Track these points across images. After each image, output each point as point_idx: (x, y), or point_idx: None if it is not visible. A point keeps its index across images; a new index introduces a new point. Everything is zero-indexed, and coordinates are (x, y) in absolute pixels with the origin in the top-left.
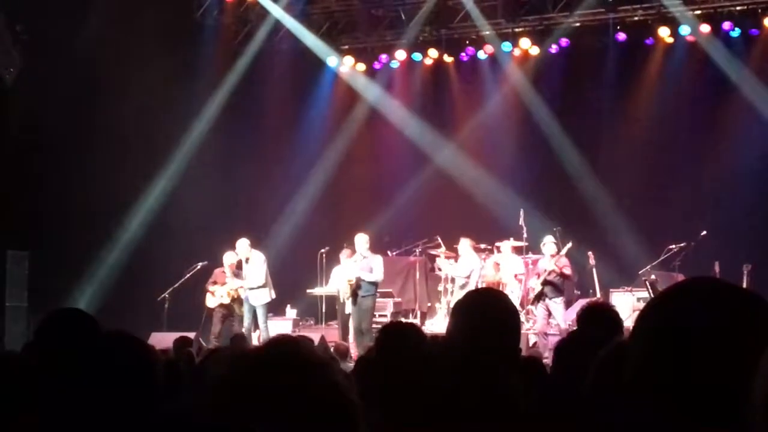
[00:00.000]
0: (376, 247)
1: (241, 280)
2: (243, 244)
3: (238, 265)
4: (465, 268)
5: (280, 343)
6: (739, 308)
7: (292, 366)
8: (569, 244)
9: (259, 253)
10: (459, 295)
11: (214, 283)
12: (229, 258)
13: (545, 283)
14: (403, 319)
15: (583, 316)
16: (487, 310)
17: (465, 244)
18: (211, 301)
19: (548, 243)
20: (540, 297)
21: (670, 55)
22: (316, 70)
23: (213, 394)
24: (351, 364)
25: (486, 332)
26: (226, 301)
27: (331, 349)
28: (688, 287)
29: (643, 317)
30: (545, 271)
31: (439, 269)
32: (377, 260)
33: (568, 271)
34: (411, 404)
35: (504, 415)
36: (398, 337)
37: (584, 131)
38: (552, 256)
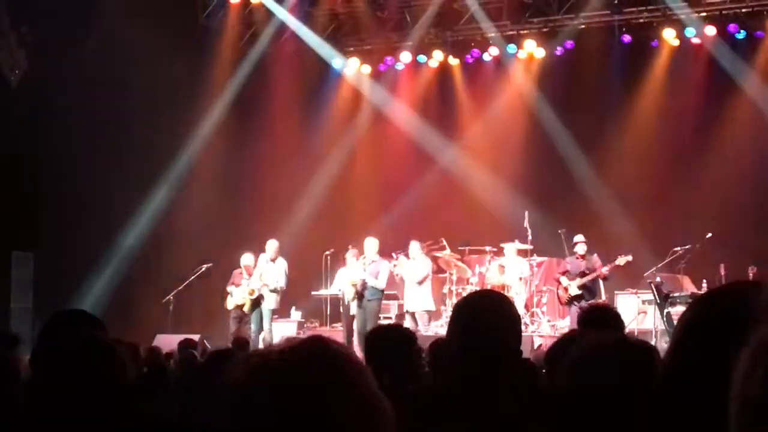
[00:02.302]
0: (381, 250)
1: (259, 280)
2: (272, 245)
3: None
4: (419, 271)
5: (307, 343)
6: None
7: (328, 366)
8: (629, 257)
9: (284, 260)
10: (413, 294)
11: (232, 284)
12: (246, 259)
13: (583, 287)
14: (407, 324)
15: (583, 318)
16: (484, 313)
17: (415, 247)
18: (228, 303)
19: (580, 243)
20: (577, 299)
21: (676, 58)
22: (321, 72)
23: (230, 399)
24: None
25: (481, 335)
26: (241, 302)
27: None
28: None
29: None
30: (588, 272)
31: (395, 266)
32: (384, 267)
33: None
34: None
35: (494, 416)
36: (384, 342)
37: (589, 133)
38: (581, 257)
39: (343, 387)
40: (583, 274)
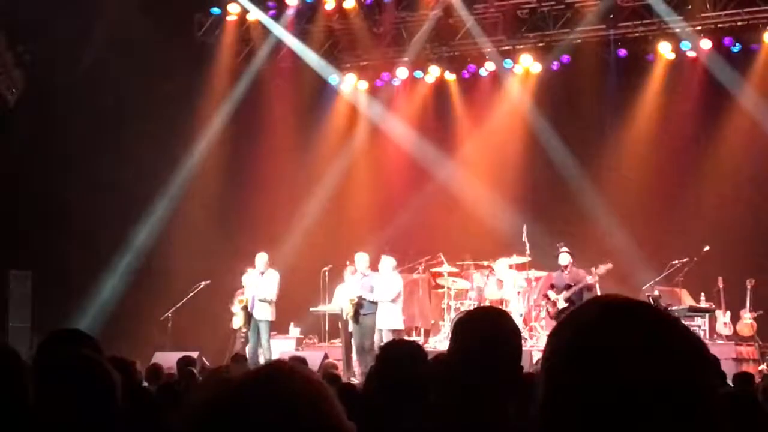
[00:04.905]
0: (378, 265)
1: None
2: (262, 258)
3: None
4: (392, 288)
5: (269, 369)
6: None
7: (281, 395)
8: (609, 265)
9: (275, 272)
10: (383, 311)
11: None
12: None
13: (569, 300)
14: (405, 337)
15: None
16: (485, 329)
17: (388, 264)
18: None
19: (563, 253)
20: (564, 313)
21: (671, 71)
22: (318, 88)
23: (194, 424)
24: (354, 380)
25: (482, 351)
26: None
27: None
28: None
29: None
30: (573, 285)
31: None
32: (376, 279)
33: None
34: (411, 421)
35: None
36: (398, 355)
37: (586, 147)
38: (564, 268)
39: (299, 422)
40: (568, 287)
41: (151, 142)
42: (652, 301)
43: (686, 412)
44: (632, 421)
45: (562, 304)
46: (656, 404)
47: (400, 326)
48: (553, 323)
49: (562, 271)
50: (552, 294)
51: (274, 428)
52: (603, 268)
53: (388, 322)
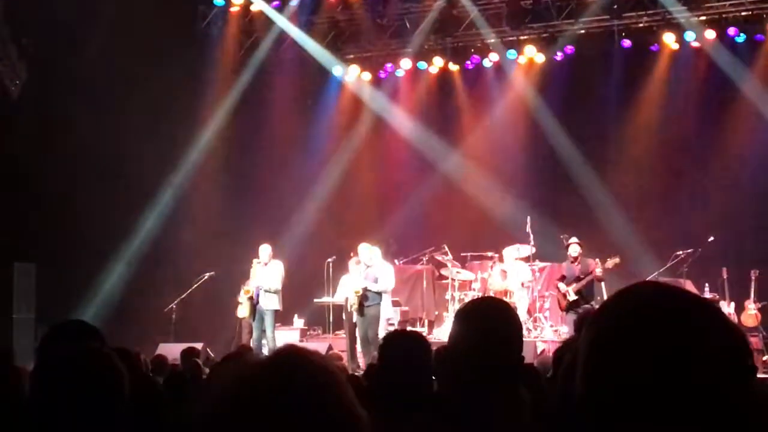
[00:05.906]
0: (383, 256)
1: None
2: (265, 249)
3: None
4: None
5: (285, 355)
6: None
7: (298, 382)
8: (617, 259)
9: (279, 262)
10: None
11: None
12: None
13: (578, 292)
14: (409, 328)
15: (580, 324)
16: (487, 320)
17: (378, 254)
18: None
19: (572, 244)
20: (575, 305)
21: (676, 62)
22: (322, 79)
23: (212, 411)
24: (359, 371)
25: (484, 342)
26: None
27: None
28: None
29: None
30: (583, 276)
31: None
32: (380, 269)
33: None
34: (414, 411)
35: (502, 424)
36: (401, 346)
37: (590, 138)
38: (574, 259)
39: (318, 406)
40: (578, 279)
41: (155, 133)
42: None
43: (728, 396)
44: (674, 402)
45: (572, 297)
46: (701, 391)
47: (394, 315)
48: (562, 314)
49: (572, 262)
50: (562, 286)
51: (289, 415)
52: (610, 262)
53: (384, 312)
